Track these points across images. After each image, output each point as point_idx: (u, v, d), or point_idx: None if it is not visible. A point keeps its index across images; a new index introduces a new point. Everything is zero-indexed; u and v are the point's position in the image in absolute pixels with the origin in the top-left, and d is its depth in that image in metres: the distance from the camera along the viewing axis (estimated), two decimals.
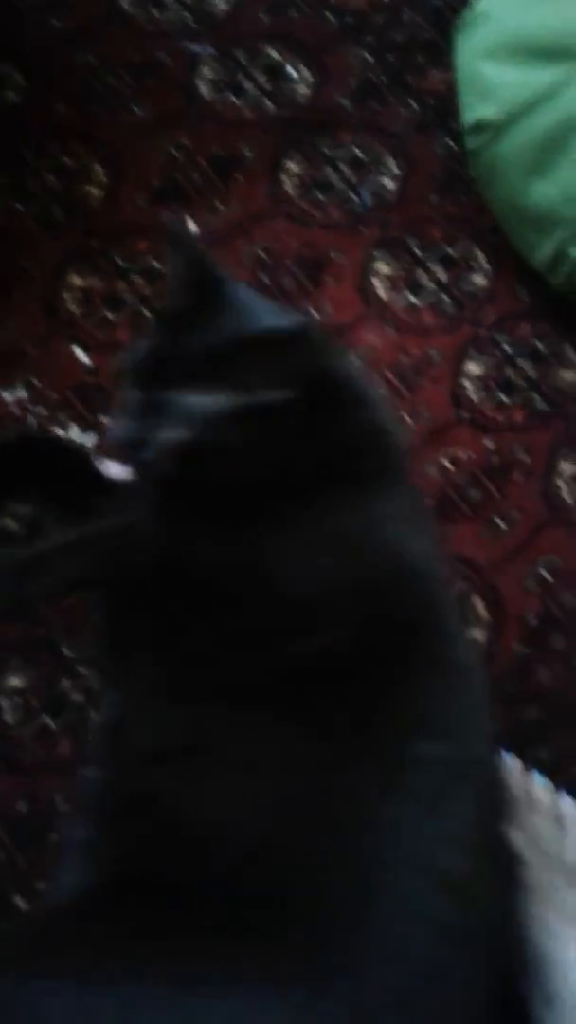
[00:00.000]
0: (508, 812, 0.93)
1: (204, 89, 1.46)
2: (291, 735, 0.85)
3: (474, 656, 0.97)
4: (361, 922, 0.78)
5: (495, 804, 0.89)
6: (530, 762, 1.13)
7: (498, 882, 0.85)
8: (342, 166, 1.45)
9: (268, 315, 0.99)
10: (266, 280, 1.35)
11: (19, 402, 1.25)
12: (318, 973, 0.76)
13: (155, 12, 1.51)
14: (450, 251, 1.43)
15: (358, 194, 1.44)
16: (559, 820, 1.05)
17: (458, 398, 1.33)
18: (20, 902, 1.01)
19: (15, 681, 1.09)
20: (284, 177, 1.43)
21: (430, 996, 0.78)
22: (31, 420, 1.24)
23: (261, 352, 0.95)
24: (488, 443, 1.31)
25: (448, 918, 0.80)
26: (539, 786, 1.08)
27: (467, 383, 1.34)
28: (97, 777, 0.88)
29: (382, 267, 1.40)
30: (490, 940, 0.83)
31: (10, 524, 1.03)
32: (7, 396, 1.25)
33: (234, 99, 1.47)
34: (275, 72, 1.50)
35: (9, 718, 1.08)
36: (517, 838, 0.94)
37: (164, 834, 0.82)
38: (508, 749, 1.12)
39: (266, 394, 0.90)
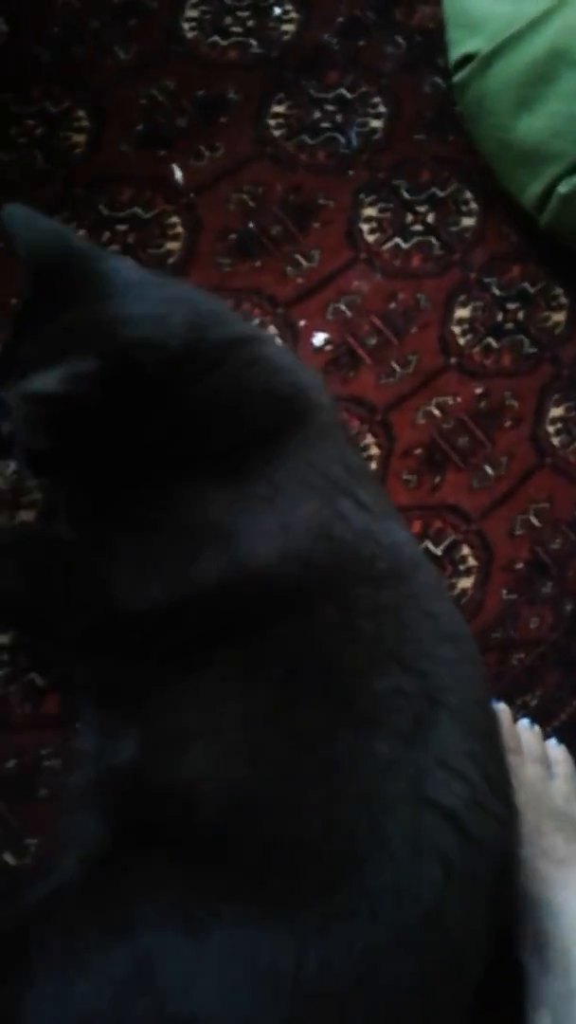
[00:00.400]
0: (499, 739, 0.94)
1: (188, 30, 1.44)
2: (249, 689, 0.87)
3: (433, 592, 0.98)
4: (364, 862, 0.80)
5: (482, 730, 0.91)
6: (518, 708, 1.15)
7: (498, 815, 0.87)
8: (329, 107, 1.43)
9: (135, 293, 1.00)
10: (252, 227, 1.34)
11: None
12: (324, 911, 0.78)
13: None
14: (439, 192, 1.41)
15: (345, 136, 1.42)
16: (547, 764, 1.07)
17: (447, 344, 1.33)
18: (10, 858, 1.03)
19: (1, 638, 1.10)
20: (270, 120, 1.41)
21: (433, 935, 0.81)
22: None
23: (77, 325, 0.97)
24: (477, 389, 1.31)
25: (454, 855, 0.82)
26: (527, 731, 1.10)
27: (456, 328, 1.34)
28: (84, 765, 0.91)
29: (370, 211, 1.38)
30: (492, 878, 0.85)
31: None
32: None
33: (219, 40, 1.44)
34: (260, 11, 1.47)
35: None
36: None
37: (155, 798, 0.84)
38: (496, 696, 1.14)
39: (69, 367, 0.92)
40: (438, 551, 1.21)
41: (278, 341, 1.28)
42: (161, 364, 0.96)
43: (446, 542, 1.22)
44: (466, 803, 0.85)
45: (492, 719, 0.95)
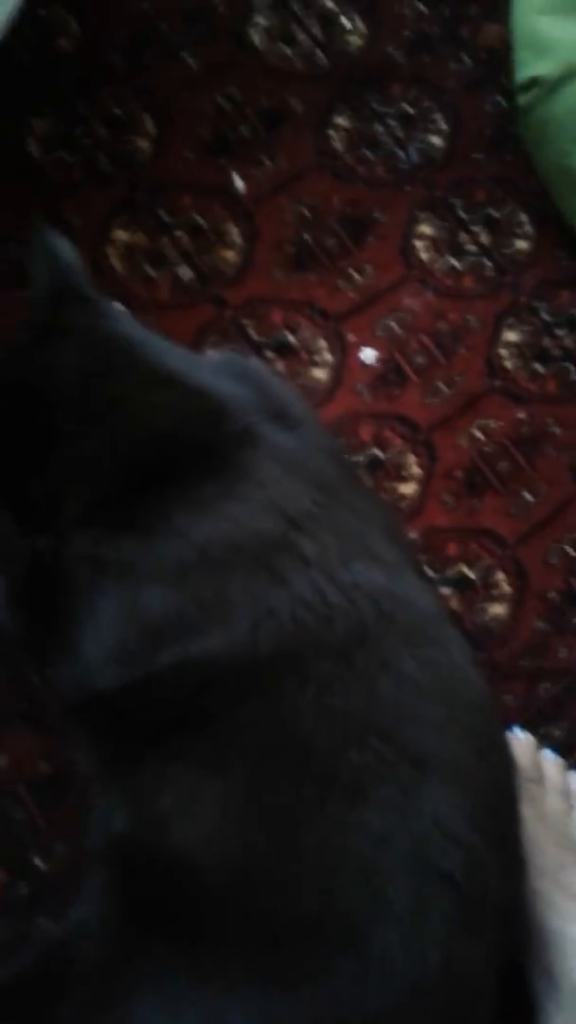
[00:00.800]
0: (507, 785, 0.95)
1: (257, 38, 1.45)
2: (225, 772, 0.86)
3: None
4: (367, 929, 0.82)
5: (481, 784, 0.90)
6: (542, 738, 1.17)
7: (501, 869, 0.89)
8: (390, 122, 1.44)
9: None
10: (308, 239, 1.36)
11: None
12: (334, 981, 0.81)
13: None
14: (494, 213, 1.42)
15: (405, 151, 1.43)
16: (568, 797, 1.09)
17: (493, 366, 1.34)
18: (39, 862, 1.06)
19: None
20: (331, 132, 1.42)
21: (443, 992, 0.83)
22: None
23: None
24: (520, 414, 1.32)
25: (455, 915, 0.84)
26: (551, 763, 1.12)
27: (503, 351, 1.35)
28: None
29: (425, 228, 1.39)
30: (498, 929, 0.87)
31: None
32: None
33: (286, 49, 1.45)
34: (329, 22, 1.48)
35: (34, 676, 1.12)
36: (526, 813, 0.98)
37: (150, 873, 0.86)
38: (522, 726, 1.16)
39: None
40: (472, 574, 1.23)
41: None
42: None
43: (481, 566, 1.24)
44: (465, 864, 0.85)
45: (495, 766, 0.93)
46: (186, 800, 0.86)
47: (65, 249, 0.98)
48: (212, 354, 1.26)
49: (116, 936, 0.86)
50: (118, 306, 1.06)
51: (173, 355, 1.00)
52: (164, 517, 0.89)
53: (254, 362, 1.14)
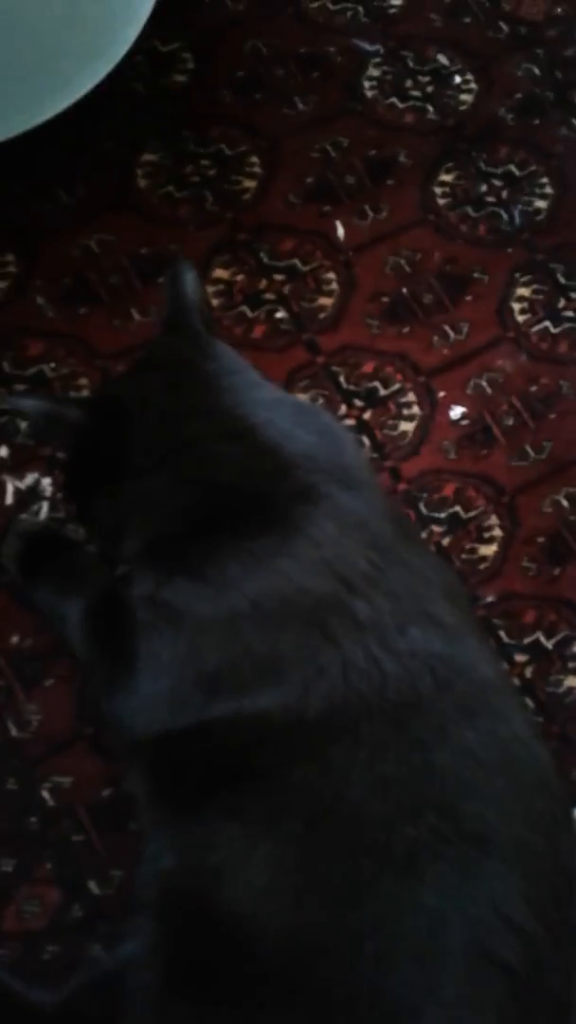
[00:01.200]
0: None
1: (368, 89, 1.46)
2: (275, 836, 0.85)
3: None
4: (419, 1014, 0.79)
5: (545, 868, 0.87)
6: None
7: (561, 965, 0.85)
8: (496, 182, 1.44)
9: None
10: (406, 292, 1.35)
11: None
12: None
13: (328, 4, 1.50)
14: None
15: (509, 212, 1.43)
16: None
17: None
18: (94, 887, 1.05)
19: None
20: (436, 188, 1.42)
21: None
22: None
23: None
24: None
25: (511, 1010, 0.81)
26: None
27: None
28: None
29: (523, 291, 1.39)
30: (558, 1016, 0.84)
31: None
32: None
33: (397, 102, 1.46)
34: (440, 78, 1.49)
35: None
36: None
37: (198, 926, 0.85)
38: None
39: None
40: (549, 645, 1.21)
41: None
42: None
43: (558, 637, 1.22)
44: (524, 956, 0.81)
45: (562, 850, 0.88)
46: (239, 860, 0.85)
47: (190, 282, 1.02)
48: (301, 398, 1.26)
49: (158, 1000, 0.84)
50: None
51: (260, 397, 1.02)
52: (218, 567, 0.91)
53: (330, 418, 1.14)
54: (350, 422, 1.28)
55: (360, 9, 1.50)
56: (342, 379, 1.31)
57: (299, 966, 0.81)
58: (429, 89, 1.48)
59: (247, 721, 0.88)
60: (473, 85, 1.49)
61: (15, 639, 1.14)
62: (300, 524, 0.92)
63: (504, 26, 1.53)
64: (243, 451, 0.96)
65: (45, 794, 1.08)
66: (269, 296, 1.33)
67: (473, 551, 1.24)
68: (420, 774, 0.85)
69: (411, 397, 1.31)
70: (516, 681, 1.18)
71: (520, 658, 1.20)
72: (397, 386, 1.31)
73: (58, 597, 1.07)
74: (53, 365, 1.24)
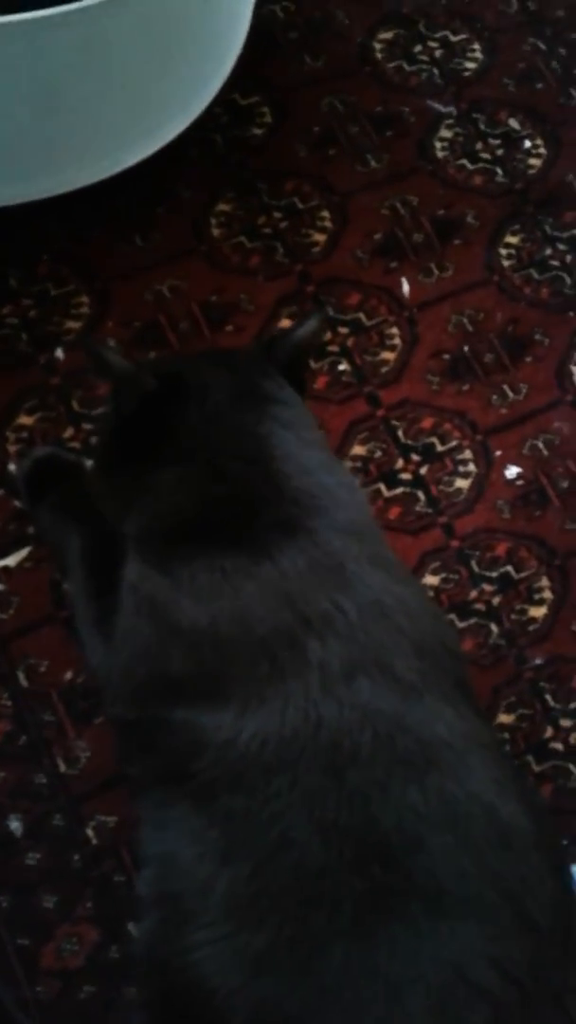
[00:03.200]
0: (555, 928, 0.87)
1: (440, 149, 1.48)
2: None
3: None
4: None
5: (520, 925, 0.85)
6: None
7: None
8: (560, 246, 1.45)
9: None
10: (467, 351, 1.37)
11: None
12: None
13: (404, 64, 1.53)
14: None
15: (572, 277, 1.44)
16: None
17: None
18: (133, 929, 1.05)
19: None
20: (501, 249, 1.44)
21: None
22: None
23: None
24: None
25: None
26: None
27: None
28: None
29: None
30: None
31: None
32: None
33: (467, 163, 1.48)
34: (511, 141, 1.51)
35: None
36: None
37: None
38: None
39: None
40: None
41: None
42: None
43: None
44: (495, 1020, 0.80)
45: (529, 908, 0.85)
46: (200, 898, 0.86)
47: (311, 326, 1.08)
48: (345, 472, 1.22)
49: None
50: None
51: (298, 436, 1.04)
52: (192, 576, 0.93)
53: (354, 479, 1.19)
54: (406, 476, 1.30)
55: (435, 71, 1.53)
56: (400, 433, 1.32)
57: None
58: (499, 152, 1.50)
59: (186, 729, 0.90)
60: (542, 150, 1.51)
61: (68, 675, 1.15)
62: (271, 551, 0.93)
63: (575, 93, 1.55)
64: (252, 474, 0.98)
65: (90, 832, 1.10)
66: (333, 348, 1.35)
67: (523, 612, 1.25)
68: (361, 826, 0.85)
69: (468, 455, 1.32)
70: (559, 746, 1.19)
71: (565, 723, 1.20)
72: (454, 443, 1.33)
73: (59, 525, 1.12)
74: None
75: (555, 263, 1.45)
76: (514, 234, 1.46)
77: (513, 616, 1.25)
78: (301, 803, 0.85)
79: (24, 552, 1.21)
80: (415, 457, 1.32)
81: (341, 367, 1.34)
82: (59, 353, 1.30)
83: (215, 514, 0.97)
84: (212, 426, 1.00)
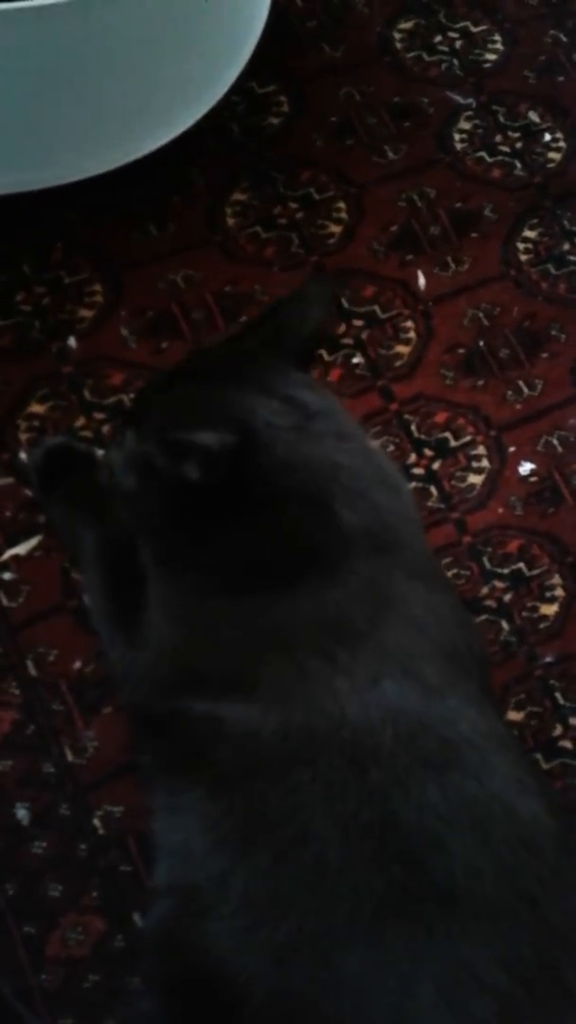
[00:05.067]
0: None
1: (458, 141, 1.47)
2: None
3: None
4: None
5: (524, 922, 0.86)
6: None
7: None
8: None
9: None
10: (482, 345, 1.36)
11: None
12: None
13: (424, 55, 1.52)
14: None
15: None
16: None
17: None
18: (138, 919, 1.05)
19: None
20: (519, 243, 1.43)
21: None
22: None
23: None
24: None
25: None
26: None
27: None
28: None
29: None
30: None
31: None
32: None
33: (485, 156, 1.47)
34: (531, 134, 1.50)
35: None
36: None
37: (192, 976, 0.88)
38: None
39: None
40: None
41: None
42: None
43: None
44: (502, 1018, 0.81)
45: (547, 909, 0.86)
46: (217, 889, 0.88)
47: (322, 308, 1.14)
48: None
49: None
50: None
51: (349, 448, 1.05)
52: (239, 599, 0.97)
53: (395, 468, 1.18)
54: (419, 471, 1.29)
55: (455, 62, 1.52)
56: (414, 428, 1.31)
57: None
58: (518, 145, 1.49)
59: (207, 720, 0.93)
60: (562, 143, 1.50)
61: (77, 664, 1.15)
62: (308, 579, 0.97)
63: None
64: (312, 516, 1.00)
65: (96, 822, 1.10)
66: (347, 341, 1.34)
67: (534, 609, 1.25)
68: (382, 823, 0.86)
69: (481, 450, 1.32)
70: (569, 744, 1.19)
71: (575, 721, 1.20)
72: (468, 438, 1.32)
73: (72, 518, 1.12)
74: (132, 396, 1.26)
75: (573, 258, 1.44)
76: (532, 228, 1.45)
77: (524, 613, 1.24)
78: (322, 797, 0.87)
79: (34, 541, 1.20)
80: (428, 452, 1.31)
81: (355, 360, 1.33)
82: (72, 342, 1.30)
83: (272, 555, 0.99)
84: (288, 472, 1.01)
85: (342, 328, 1.34)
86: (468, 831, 0.87)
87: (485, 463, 1.31)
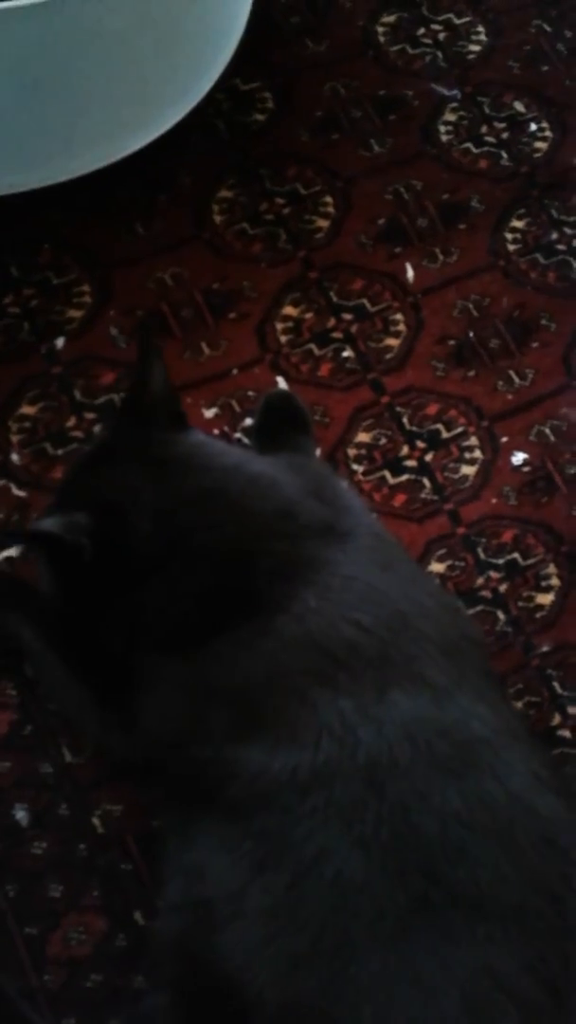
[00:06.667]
0: None
1: (444, 133, 1.47)
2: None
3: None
4: None
5: (550, 929, 0.86)
6: None
7: None
8: (567, 230, 1.44)
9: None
10: (472, 336, 1.36)
11: (214, 419, 1.29)
12: None
13: (408, 48, 1.52)
14: None
15: None
16: None
17: None
18: (139, 918, 1.05)
19: None
20: (507, 233, 1.43)
21: None
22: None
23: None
24: None
25: None
26: None
27: None
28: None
29: None
30: None
31: None
32: (206, 413, 1.29)
33: (471, 147, 1.47)
34: (516, 124, 1.50)
35: None
36: None
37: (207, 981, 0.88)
38: None
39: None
40: None
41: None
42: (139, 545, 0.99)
43: None
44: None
45: (570, 910, 0.86)
46: (231, 901, 0.88)
47: (159, 372, 1.05)
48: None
49: None
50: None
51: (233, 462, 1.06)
52: (214, 655, 0.95)
53: (319, 466, 1.20)
54: (411, 463, 1.29)
55: (439, 54, 1.52)
56: (405, 420, 1.31)
57: None
58: (504, 135, 1.49)
59: (214, 763, 0.93)
60: (548, 133, 1.50)
61: None
62: (281, 603, 0.95)
63: None
64: (225, 541, 0.99)
65: (96, 821, 1.09)
66: (337, 335, 1.34)
67: (530, 599, 1.24)
68: (403, 838, 0.86)
69: (473, 441, 1.32)
70: (567, 733, 1.18)
71: (573, 710, 1.19)
72: (460, 429, 1.32)
73: (8, 627, 1.12)
74: (123, 395, 1.26)
75: (561, 247, 1.44)
76: (520, 218, 1.45)
77: (520, 603, 1.24)
78: (338, 819, 0.86)
79: None
80: (420, 444, 1.31)
81: (345, 354, 1.33)
82: (60, 343, 1.30)
83: (215, 598, 0.98)
84: (167, 517, 1.00)
85: (331, 322, 1.34)
86: (491, 835, 0.86)
87: (478, 454, 1.31)
